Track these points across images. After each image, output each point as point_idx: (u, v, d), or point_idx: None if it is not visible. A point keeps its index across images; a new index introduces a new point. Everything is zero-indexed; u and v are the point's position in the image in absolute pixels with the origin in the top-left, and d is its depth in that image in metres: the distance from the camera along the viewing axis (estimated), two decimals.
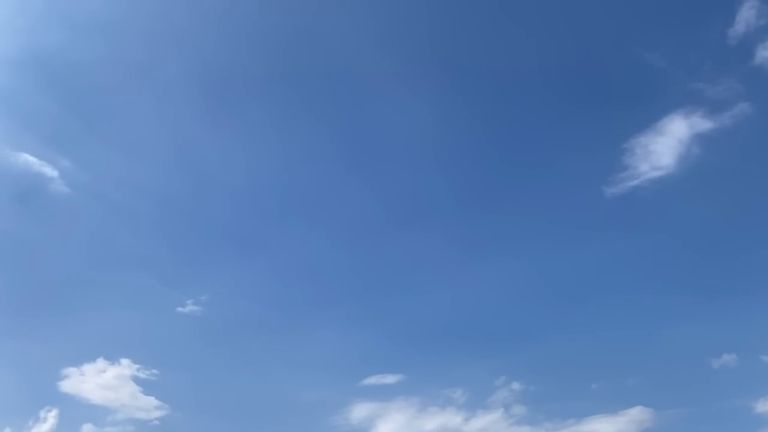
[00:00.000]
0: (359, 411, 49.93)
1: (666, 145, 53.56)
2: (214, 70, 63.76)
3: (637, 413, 45.39)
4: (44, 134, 59.90)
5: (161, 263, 59.20)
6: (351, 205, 61.43)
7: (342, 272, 58.76)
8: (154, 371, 51.25)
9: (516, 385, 49.74)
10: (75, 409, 48.73)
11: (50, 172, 57.03)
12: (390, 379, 50.89)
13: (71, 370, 49.89)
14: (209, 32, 63.21)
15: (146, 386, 50.61)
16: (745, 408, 44.24)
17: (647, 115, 55.31)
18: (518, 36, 61.09)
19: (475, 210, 59.37)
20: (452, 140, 61.18)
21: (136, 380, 50.49)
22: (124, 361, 50.91)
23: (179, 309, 54.38)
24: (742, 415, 43.96)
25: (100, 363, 50.48)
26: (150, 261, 59.10)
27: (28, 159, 56.78)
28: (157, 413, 49.48)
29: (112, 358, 50.97)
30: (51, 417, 46.90)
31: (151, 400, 49.90)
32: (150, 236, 60.45)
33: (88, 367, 50.21)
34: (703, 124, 53.11)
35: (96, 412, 49.33)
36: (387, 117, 62.00)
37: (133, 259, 58.49)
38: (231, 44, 63.62)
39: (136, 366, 50.86)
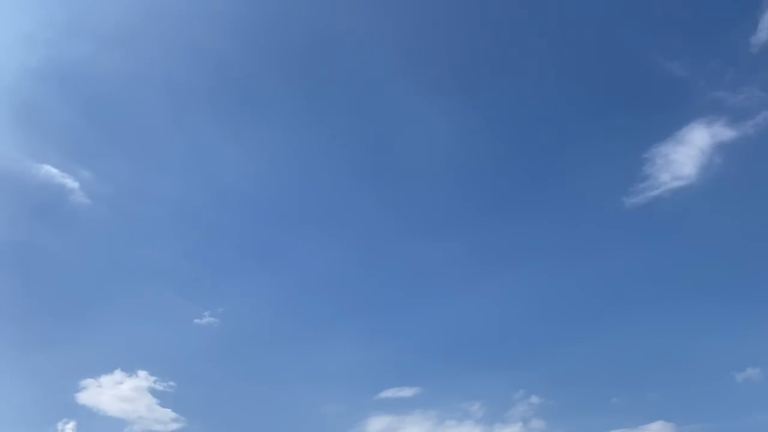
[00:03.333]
0: (376, 424, 49.61)
1: (687, 154, 52.73)
2: (231, 81, 64.11)
3: (657, 428, 44.58)
4: (65, 146, 60.60)
5: (179, 275, 59.45)
6: (368, 215, 61.29)
7: (359, 284, 58.57)
8: (171, 383, 51.36)
9: (535, 399, 49.13)
10: (92, 421, 48.95)
11: (71, 183, 57.58)
12: (407, 392, 50.53)
13: (89, 382, 50.16)
14: (226, 44, 63.57)
15: (163, 398, 50.74)
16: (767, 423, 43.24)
17: (668, 124, 54.55)
18: (537, 44, 60.69)
19: (492, 221, 58.94)
20: (470, 149, 60.83)
21: (153, 392, 50.65)
22: (141, 373, 51.07)
23: (196, 321, 54.52)
24: (764, 430, 42.96)
25: (118, 375, 50.71)
26: (168, 272, 59.40)
27: (50, 170, 57.35)
28: (174, 425, 49.58)
29: (130, 370, 51.16)
30: (69, 429, 47.15)
31: (168, 412, 50.00)
32: (168, 247, 60.77)
33: (105, 379, 50.47)
34: (725, 133, 52.21)
35: (113, 424, 49.56)
36: (404, 127, 61.83)
37: (152, 271, 58.83)
38: (248, 55, 63.94)
39: (153, 378, 50.99)
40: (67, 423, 47.38)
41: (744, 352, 46.63)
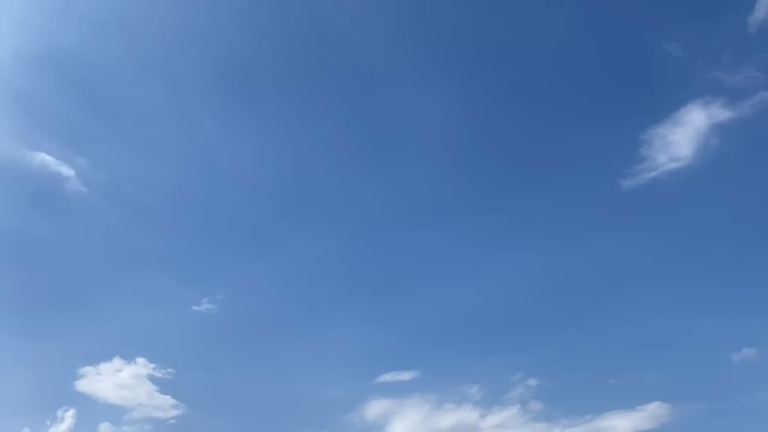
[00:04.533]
0: (375, 408, 49.81)
1: (684, 135, 52.60)
2: (228, 69, 63.80)
3: (654, 409, 44.77)
4: (61, 133, 60.39)
5: (176, 262, 59.48)
6: (365, 201, 61.22)
7: (357, 269, 58.61)
8: (170, 370, 51.47)
9: (532, 381, 49.31)
10: (92, 409, 49.09)
11: (67, 171, 57.40)
12: (405, 376, 50.69)
13: (88, 369, 50.29)
14: (224, 31, 63.23)
15: (162, 385, 50.87)
16: (764, 402, 43.42)
17: (665, 105, 54.38)
18: (534, 28, 60.28)
19: (489, 205, 58.91)
20: (466, 135, 60.68)
21: (152, 379, 50.78)
22: (140, 360, 51.16)
23: (195, 307, 54.58)
24: (761, 410, 43.15)
25: (116, 362, 50.83)
26: (165, 259, 59.42)
27: (45, 158, 57.17)
28: (174, 412, 49.75)
29: (128, 357, 51.24)
30: (68, 416, 47.29)
31: (168, 399, 50.16)
32: (165, 235, 60.75)
33: (104, 367, 50.59)
34: (722, 113, 52.05)
35: (113, 412, 49.69)
36: (400, 115, 61.65)
37: (149, 258, 58.83)
38: (245, 42, 63.62)
39: (152, 365, 51.11)
40: (66, 411, 47.57)
41: (740, 333, 46.83)
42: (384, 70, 61.84)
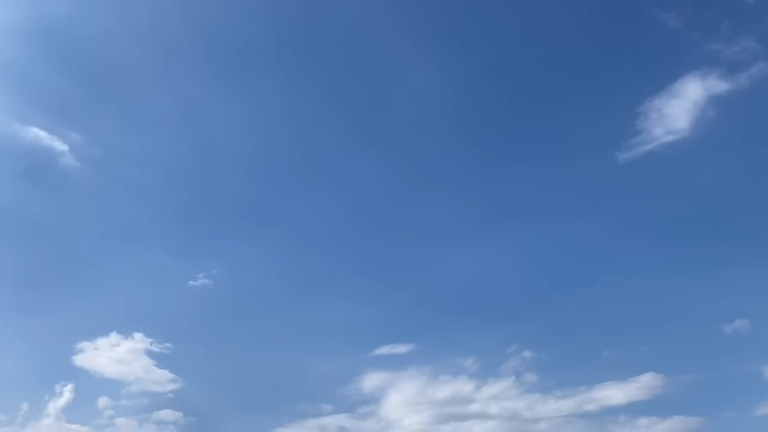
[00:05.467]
0: (371, 380, 50.27)
1: (681, 107, 52.30)
2: (222, 39, 62.97)
3: (648, 379, 45.26)
4: (53, 108, 59.79)
5: (172, 237, 59.44)
6: (361, 174, 61.05)
7: (353, 243, 58.68)
8: (167, 344, 51.73)
9: (527, 353, 49.75)
10: (90, 383, 49.52)
11: (60, 146, 57.00)
12: (401, 348, 51.08)
13: (85, 345, 50.58)
14: (219, 3, 62.41)
15: (160, 360, 51.18)
16: (755, 373, 43.95)
17: (662, 77, 53.99)
18: (529, 0, 59.77)
19: (484, 177, 58.82)
20: (462, 109, 60.23)
21: (150, 354, 51.06)
22: (137, 335, 51.34)
23: (191, 282, 54.69)
24: (753, 381, 43.69)
25: (114, 337, 51.07)
26: (161, 234, 59.37)
27: (38, 133, 56.72)
28: (172, 386, 50.15)
29: (126, 332, 51.42)
30: (67, 391, 47.67)
31: (165, 373, 50.53)
32: (161, 210, 60.60)
33: (101, 342, 50.86)
34: (719, 85, 51.70)
35: (111, 386, 50.14)
36: (396, 90, 61.04)
37: (145, 233, 58.76)
38: (238, 13, 62.75)
39: (150, 340, 51.34)
40: (65, 385, 47.95)
41: (732, 305, 47.11)
42: (380, 44, 61.27)
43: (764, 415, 42.68)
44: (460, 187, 59.21)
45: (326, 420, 49.16)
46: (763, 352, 44.67)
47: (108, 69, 60.85)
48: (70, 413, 47.32)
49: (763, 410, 42.87)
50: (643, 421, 44.85)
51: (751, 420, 42.99)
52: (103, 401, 49.00)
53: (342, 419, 49.22)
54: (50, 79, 59.29)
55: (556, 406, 47.01)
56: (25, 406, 47.38)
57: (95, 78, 60.80)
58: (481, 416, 48.24)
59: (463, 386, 49.48)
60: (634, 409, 45.06)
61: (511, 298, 53.87)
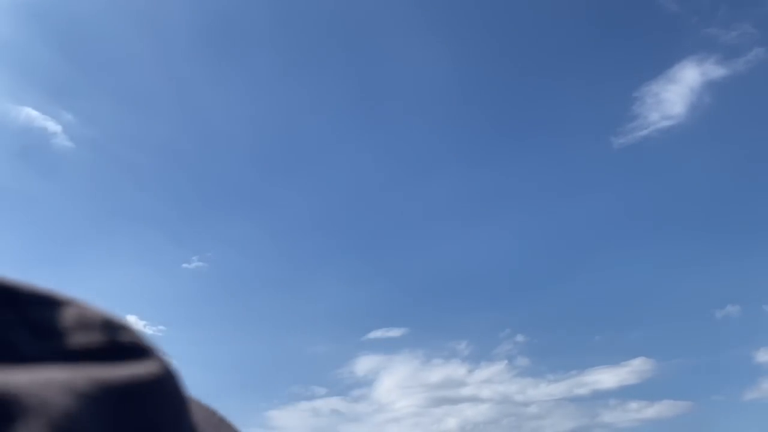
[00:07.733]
0: (364, 364, 50.38)
1: (677, 93, 52.04)
2: (217, 20, 62.48)
3: (638, 364, 45.41)
4: (46, 87, 58.82)
5: (166, 219, 58.85)
6: (356, 158, 60.79)
7: (346, 226, 58.47)
8: (161, 327, 51.61)
9: (520, 337, 49.81)
10: None
11: (53, 126, 56.38)
12: (395, 332, 51.12)
13: None
14: None
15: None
16: (746, 358, 44.21)
17: (659, 62, 53.25)
18: None
19: (478, 162, 58.49)
20: (457, 91, 59.87)
21: None
22: (131, 318, 50.99)
23: (185, 265, 54.38)
24: (742, 366, 44.01)
25: None
26: (155, 217, 58.92)
27: (31, 113, 56.10)
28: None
29: (119, 315, 51.39)
30: None
31: None
32: (155, 191, 60.09)
33: None
34: (716, 71, 51.13)
35: None
36: (391, 69, 60.60)
37: (138, 215, 58.24)
38: None
39: (143, 322, 50.97)
40: None
41: (724, 290, 47.10)
42: (375, 22, 60.85)
43: (752, 399, 42.76)
44: (452, 172, 58.79)
45: (319, 403, 49.25)
46: (753, 338, 44.68)
47: (102, 48, 60.39)
48: None
49: (752, 395, 42.97)
50: (633, 404, 45.10)
51: (739, 404, 43.18)
52: None
53: (335, 402, 49.32)
54: (43, 58, 58.67)
55: (547, 389, 47.26)
56: None
57: (89, 57, 60.10)
58: (473, 399, 48.48)
59: (456, 370, 49.68)
60: (624, 393, 45.26)
61: (505, 283, 53.80)
